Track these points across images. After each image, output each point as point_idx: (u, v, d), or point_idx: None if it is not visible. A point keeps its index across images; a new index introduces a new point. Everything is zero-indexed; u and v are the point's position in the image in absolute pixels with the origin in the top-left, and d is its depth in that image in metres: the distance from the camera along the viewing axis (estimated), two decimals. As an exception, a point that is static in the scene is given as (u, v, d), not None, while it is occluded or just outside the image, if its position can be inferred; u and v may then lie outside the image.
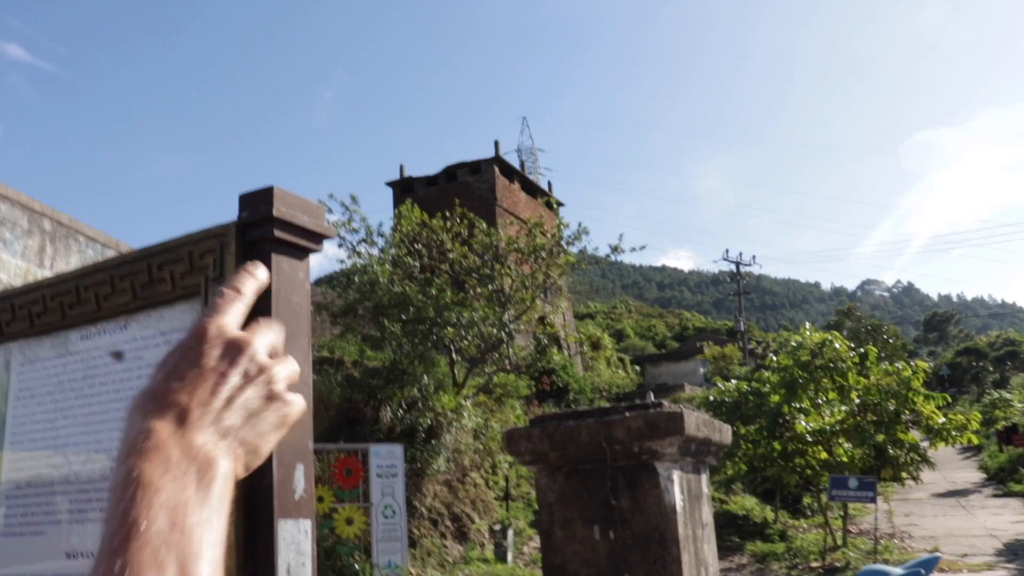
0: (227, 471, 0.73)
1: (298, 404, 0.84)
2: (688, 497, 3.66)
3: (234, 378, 0.79)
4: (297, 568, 2.45)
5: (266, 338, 0.88)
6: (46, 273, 13.84)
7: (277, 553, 2.39)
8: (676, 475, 3.52)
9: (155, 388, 0.77)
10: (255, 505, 2.35)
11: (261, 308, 2.42)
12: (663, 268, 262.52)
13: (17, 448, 2.91)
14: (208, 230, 2.52)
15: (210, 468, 0.71)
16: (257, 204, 2.46)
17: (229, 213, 2.58)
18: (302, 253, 2.56)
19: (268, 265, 2.42)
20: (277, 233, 2.44)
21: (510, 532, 15.79)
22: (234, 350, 0.81)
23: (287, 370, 0.86)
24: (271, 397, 0.81)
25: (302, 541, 2.46)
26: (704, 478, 4.01)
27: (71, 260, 14.48)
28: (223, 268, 2.46)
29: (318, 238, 2.59)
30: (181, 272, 2.56)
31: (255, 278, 0.91)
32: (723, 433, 4.07)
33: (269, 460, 2.33)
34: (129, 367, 2.68)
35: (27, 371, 2.99)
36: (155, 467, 0.68)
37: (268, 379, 0.82)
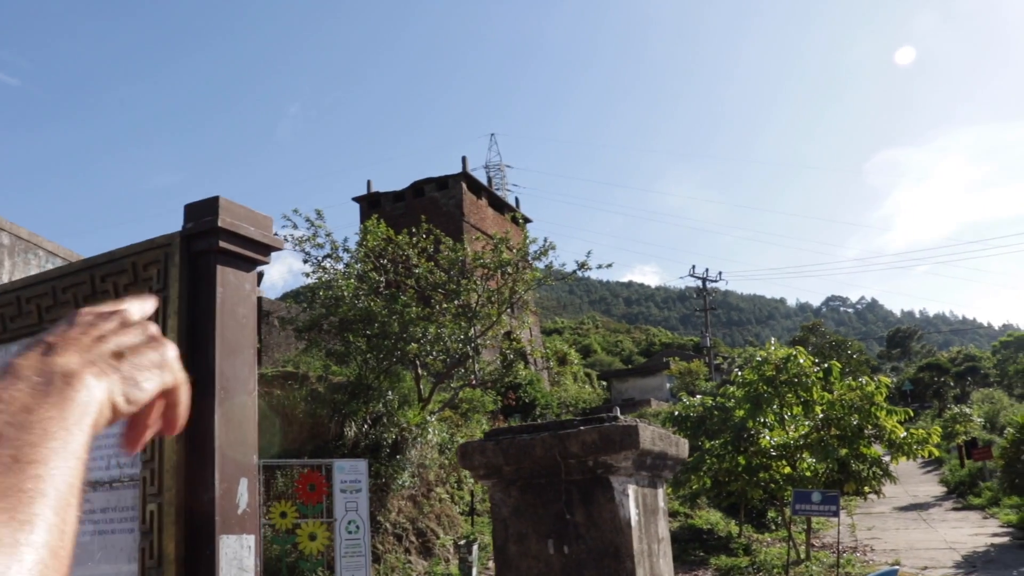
0: (94, 387, 0.72)
1: (173, 348, 0.83)
2: (643, 511, 3.65)
3: (107, 324, 0.79)
4: (240, 585, 2.40)
5: (140, 307, 0.88)
6: (3, 286, 13.63)
7: (219, 569, 2.35)
8: (631, 489, 3.51)
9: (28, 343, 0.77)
10: (196, 520, 2.31)
11: (204, 319, 2.39)
12: (630, 284, 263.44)
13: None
14: (152, 240, 2.48)
15: (70, 380, 0.70)
16: (202, 214, 2.42)
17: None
18: (249, 265, 2.53)
19: (213, 276, 2.39)
20: (223, 244, 2.41)
21: (475, 547, 15.70)
22: (107, 312, 0.82)
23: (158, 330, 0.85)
24: (147, 341, 0.81)
25: (244, 557, 2.42)
26: (660, 492, 4.00)
27: (30, 274, 14.25)
28: (167, 279, 2.42)
29: (266, 249, 2.56)
30: (125, 283, 2.52)
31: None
32: (679, 447, 4.06)
33: (211, 473, 2.30)
34: (74, 380, 2.63)
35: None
36: (2, 382, 0.68)
37: (143, 329, 0.82)
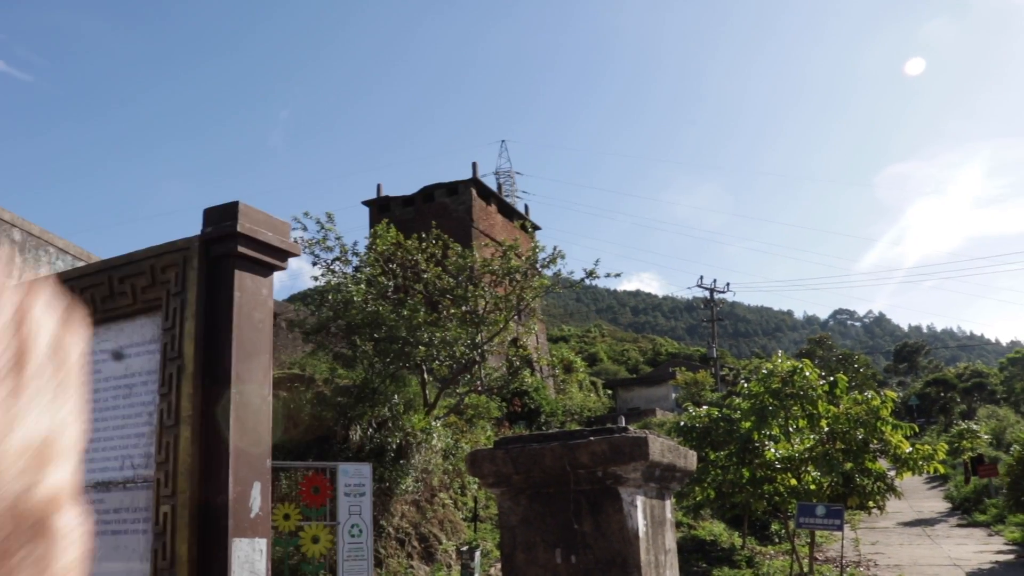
0: None
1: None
2: (651, 523, 3.65)
3: None
4: (251, 588, 2.41)
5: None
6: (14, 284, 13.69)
7: (231, 572, 2.36)
8: (639, 500, 3.51)
9: None
10: (209, 523, 2.32)
11: (221, 322, 2.41)
12: (637, 293, 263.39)
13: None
14: (171, 244, 2.50)
15: None
16: (221, 219, 2.44)
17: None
18: (266, 270, 2.55)
19: (231, 281, 2.41)
20: (241, 249, 2.43)
21: (477, 554, 15.68)
22: None
23: None
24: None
25: (256, 560, 2.43)
26: (668, 504, 4.01)
27: (40, 271, 14.32)
28: (185, 282, 2.44)
29: (283, 255, 2.58)
30: (143, 286, 2.54)
31: None
32: (688, 459, 4.06)
33: (225, 476, 2.31)
34: (85, 382, 2.65)
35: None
36: None
37: None
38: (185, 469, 2.18)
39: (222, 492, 2.22)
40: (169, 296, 2.42)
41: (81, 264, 15.25)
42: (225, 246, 2.35)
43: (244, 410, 2.24)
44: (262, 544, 2.29)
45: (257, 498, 2.29)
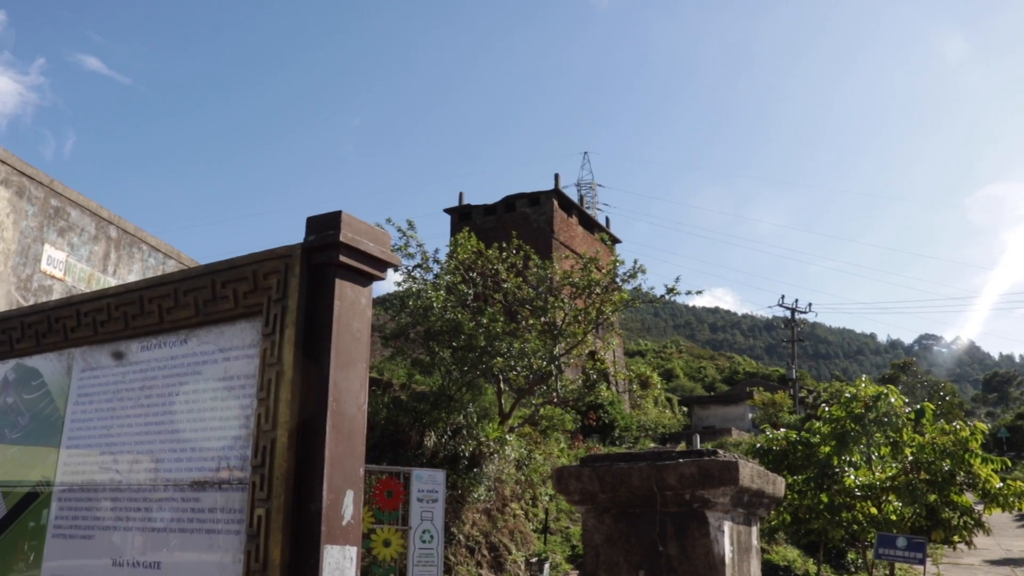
0: None
1: None
2: (737, 549, 3.58)
3: None
4: (340, 595, 2.43)
5: None
6: (109, 279, 14.13)
7: (321, 578, 2.38)
8: (727, 526, 3.45)
9: None
10: (302, 528, 2.34)
11: (321, 331, 2.43)
12: (716, 310, 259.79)
13: (73, 452, 2.95)
14: (273, 251, 2.54)
15: None
16: (324, 228, 2.47)
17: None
18: (366, 279, 2.57)
19: (331, 289, 2.43)
20: (342, 258, 2.45)
21: (546, 566, 15.63)
22: None
23: None
24: None
25: (347, 568, 2.44)
26: (754, 530, 3.93)
27: (133, 267, 14.75)
28: (286, 289, 2.47)
29: (383, 265, 2.60)
30: (244, 291, 2.58)
31: None
32: (776, 485, 3.98)
33: (320, 483, 2.33)
34: (185, 381, 2.71)
35: (87, 377, 3.03)
36: None
37: None
38: (281, 474, 2.20)
39: (316, 499, 2.24)
40: (270, 302, 2.45)
41: (172, 262, 15.67)
42: (327, 255, 2.38)
43: (340, 418, 2.26)
44: (352, 552, 2.30)
45: (350, 506, 2.31)
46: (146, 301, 2.76)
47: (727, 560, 3.40)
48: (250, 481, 2.24)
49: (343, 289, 2.40)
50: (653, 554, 3.48)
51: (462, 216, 39.62)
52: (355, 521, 2.29)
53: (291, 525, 2.24)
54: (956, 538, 15.78)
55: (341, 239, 2.33)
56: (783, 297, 57.28)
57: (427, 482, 13.62)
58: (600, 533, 3.64)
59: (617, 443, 30.30)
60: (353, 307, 2.43)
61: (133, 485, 2.70)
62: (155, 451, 2.67)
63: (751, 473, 3.50)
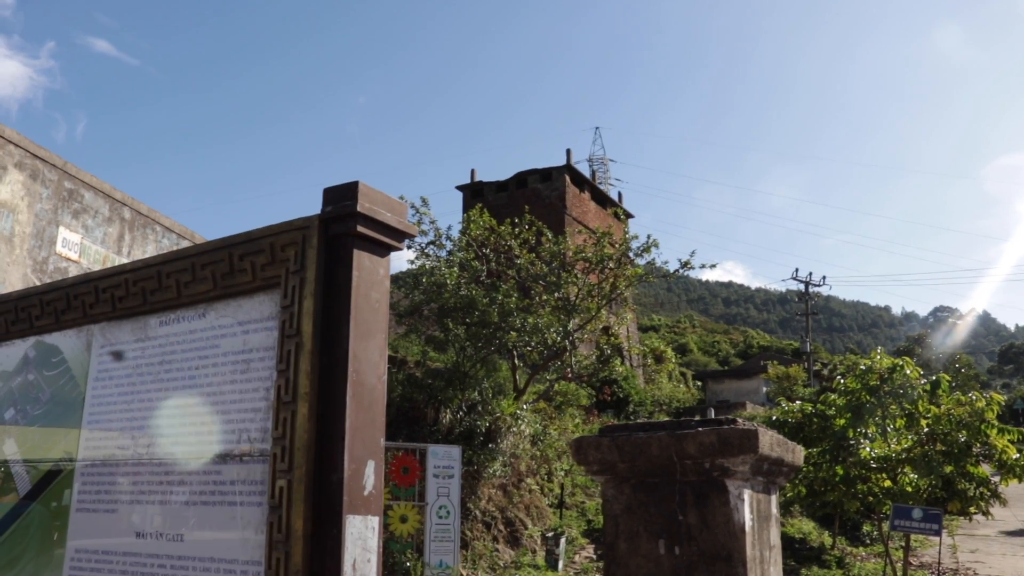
0: None
1: None
2: (757, 517, 3.58)
3: None
4: (363, 564, 2.44)
5: None
6: (124, 260, 14.19)
7: (344, 548, 2.39)
8: (747, 494, 3.44)
9: None
10: (324, 499, 2.35)
11: (340, 301, 2.43)
12: (729, 284, 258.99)
13: (94, 427, 2.96)
14: (291, 222, 2.53)
15: None
16: (341, 198, 2.46)
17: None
18: (384, 250, 2.56)
19: (350, 260, 2.42)
20: (360, 228, 2.44)
21: (562, 540, 15.69)
22: None
23: None
24: None
25: (369, 538, 2.45)
26: (774, 499, 3.92)
27: (147, 248, 14.80)
28: (304, 261, 2.47)
29: (400, 235, 2.59)
30: (262, 263, 2.58)
31: None
32: (795, 454, 3.97)
33: (341, 454, 2.33)
34: (205, 355, 2.71)
35: (107, 353, 3.03)
36: None
37: None
38: (302, 445, 2.21)
39: (337, 469, 2.24)
40: (288, 274, 2.45)
41: (186, 242, 15.72)
42: (344, 225, 2.37)
43: (360, 388, 2.26)
44: (374, 522, 2.31)
45: (371, 476, 2.31)
46: (164, 276, 2.76)
47: (747, 528, 3.40)
48: (271, 453, 2.25)
49: (361, 259, 2.39)
50: (673, 523, 3.49)
51: (474, 193, 39.56)
52: (376, 491, 2.30)
53: (313, 496, 2.25)
54: (972, 509, 15.77)
55: (359, 209, 2.32)
56: (797, 270, 57.13)
57: (443, 458, 13.68)
58: (619, 503, 3.64)
59: (631, 418, 30.32)
60: (371, 277, 2.42)
61: (155, 459, 2.71)
62: (176, 425, 2.68)
63: (770, 441, 3.49)
